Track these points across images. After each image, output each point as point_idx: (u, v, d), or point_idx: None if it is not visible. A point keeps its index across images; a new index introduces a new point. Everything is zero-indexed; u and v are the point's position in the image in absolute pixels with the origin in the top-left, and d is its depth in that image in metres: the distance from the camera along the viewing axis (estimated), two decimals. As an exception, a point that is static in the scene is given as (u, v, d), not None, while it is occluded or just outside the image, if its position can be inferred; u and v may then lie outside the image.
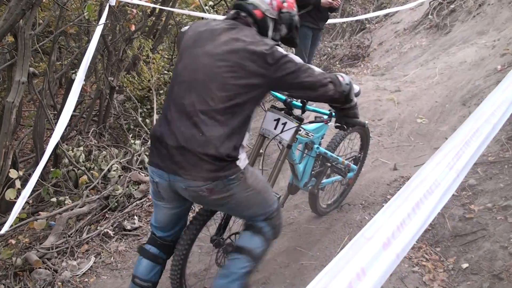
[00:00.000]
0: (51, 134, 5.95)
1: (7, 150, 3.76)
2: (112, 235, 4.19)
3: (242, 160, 2.40)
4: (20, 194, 3.67)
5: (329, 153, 3.59)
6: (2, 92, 6.20)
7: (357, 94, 3.31)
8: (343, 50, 9.76)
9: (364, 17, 10.30)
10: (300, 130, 3.12)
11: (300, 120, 2.99)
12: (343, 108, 2.76)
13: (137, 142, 5.52)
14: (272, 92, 3.03)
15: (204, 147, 2.24)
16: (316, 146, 3.45)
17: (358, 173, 4.20)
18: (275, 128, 2.99)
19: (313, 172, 3.57)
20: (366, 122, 2.94)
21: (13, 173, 3.73)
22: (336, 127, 2.89)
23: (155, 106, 6.63)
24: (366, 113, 6.07)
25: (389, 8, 10.83)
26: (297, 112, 3.12)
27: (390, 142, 5.40)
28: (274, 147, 3.67)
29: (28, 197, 3.90)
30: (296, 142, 3.20)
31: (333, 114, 2.97)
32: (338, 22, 10.34)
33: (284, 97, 3.10)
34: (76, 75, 5.35)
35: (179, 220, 2.73)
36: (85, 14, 5.40)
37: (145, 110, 7.10)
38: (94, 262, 3.86)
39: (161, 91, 7.26)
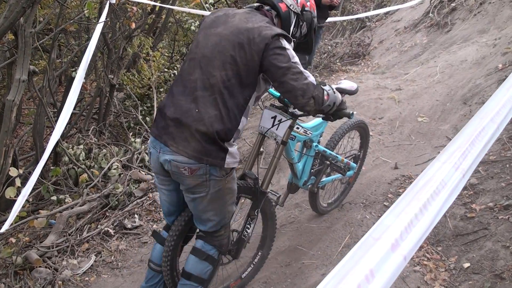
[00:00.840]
0: (51, 132, 5.94)
1: (8, 149, 3.75)
2: (112, 233, 4.18)
3: (231, 159, 2.41)
4: (20, 193, 3.66)
5: (328, 151, 3.58)
6: (2, 90, 6.18)
7: (353, 92, 3.32)
8: (344, 48, 9.75)
9: (365, 15, 10.29)
10: (297, 128, 3.15)
11: (294, 116, 3.00)
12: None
13: (138, 140, 5.51)
14: (270, 90, 3.12)
15: (197, 123, 2.28)
16: (315, 144, 3.44)
17: (358, 172, 4.18)
18: (272, 126, 3.02)
19: (312, 171, 3.57)
20: (353, 112, 2.92)
21: (13, 171, 3.72)
22: (323, 118, 2.88)
23: (155, 104, 6.62)
24: (367, 112, 6.05)
25: (389, 6, 10.83)
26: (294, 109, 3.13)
27: (391, 141, 5.39)
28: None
29: (28, 195, 3.87)
30: (295, 140, 3.23)
31: None
32: (339, 20, 10.33)
33: (279, 94, 3.10)
34: (76, 73, 5.34)
35: (181, 204, 2.73)
36: (85, 12, 5.39)
37: (145, 108, 7.09)
38: (95, 261, 3.85)
39: (161, 89, 7.24)
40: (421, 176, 1.20)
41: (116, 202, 4.54)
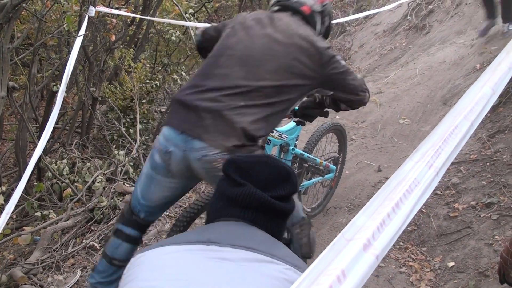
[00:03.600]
0: (34, 147, 5.89)
1: (-11, 166, 3.71)
2: (98, 247, 4.15)
3: None
4: (3, 210, 3.62)
5: (306, 154, 3.61)
6: (-18, 107, 6.12)
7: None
8: (325, 53, 9.79)
9: (344, 20, 10.37)
10: (272, 132, 3.15)
11: None
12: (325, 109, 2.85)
13: (121, 152, 5.48)
14: None
15: (240, 117, 2.23)
16: (291, 147, 3.44)
17: (339, 175, 4.22)
18: None
19: None
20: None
21: (-5, 189, 3.69)
22: (297, 122, 2.96)
23: (138, 115, 6.60)
24: (349, 116, 6.10)
25: (368, 10, 10.92)
26: None
27: (373, 144, 5.44)
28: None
29: (12, 212, 3.84)
30: (270, 144, 3.23)
31: (295, 108, 3.02)
32: (319, 25, 10.38)
33: None
34: (56, 87, 5.31)
35: (171, 202, 2.66)
36: (65, 25, 5.37)
37: (128, 120, 7.05)
38: (81, 276, 3.81)
39: (144, 100, 7.22)
40: (393, 176, 1.22)
41: (101, 216, 4.50)
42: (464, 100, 1.50)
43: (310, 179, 3.86)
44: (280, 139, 3.30)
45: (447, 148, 1.35)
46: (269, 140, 3.18)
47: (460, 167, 4.21)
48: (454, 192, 3.97)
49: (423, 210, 3.87)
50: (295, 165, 3.62)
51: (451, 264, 3.32)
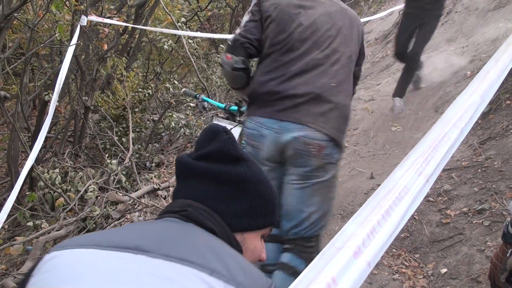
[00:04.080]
0: (26, 157, 5.87)
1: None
2: (90, 257, 4.13)
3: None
4: (-5, 220, 3.61)
5: None
6: (-26, 116, 6.11)
7: None
8: (317, 61, 9.84)
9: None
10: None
11: (242, 123, 3.14)
12: None
13: (114, 161, 5.48)
14: (210, 100, 3.36)
15: (337, 95, 2.31)
16: None
17: None
18: None
19: None
20: None
21: (-13, 199, 3.67)
22: None
23: (130, 124, 6.60)
24: (341, 123, 6.11)
25: (360, 18, 10.96)
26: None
27: (366, 151, 5.46)
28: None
29: (4, 222, 3.82)
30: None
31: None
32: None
33: (223, 105, 3.28)
34: (49, 97, 5.31)
35: None
36: (57, 35, 5.38)
37: (120, 129, 7.05)
38: (73, 286, 3.80)
39: (136, 109, 7.22)
40: (383, 185, 1.22)
41: (94, 225, 4.49)
42: (453, 108, 1.52)
43: None
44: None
45: (437, 155, 1.37)
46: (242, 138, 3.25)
47: (452, 174, 4.23)
48: (446, 198, 3.99)
49: (416, 217, 3.88)
50: None
51: (444, 270, 3.33)
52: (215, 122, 3.19)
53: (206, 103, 3.43)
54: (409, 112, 5.97)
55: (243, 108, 3.23)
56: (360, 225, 1.11)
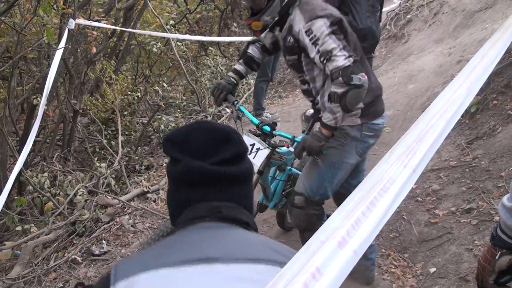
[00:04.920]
0: (14, 161, 5.83)
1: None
2: (80, 261, 4.11)
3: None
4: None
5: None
6: (-39, 121, 6.04)
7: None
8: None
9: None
10: (274, 155, 3.13)
11: (273, 147, 3.04)
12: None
13: (103, 165, 5.45)
14: (247, 113, 3.19)
15: None
16: (288, 168, 3.45)
17: None
18: (249, 153, 2.97)
19: (283, 193, 3.58)
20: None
21: (-25, 204, 3.65)
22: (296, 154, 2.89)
23: (119, 127, 6.57)
24: (330, 125, 6.13)
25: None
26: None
27: (355, 152, 5.47)
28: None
29: (-8, 227, 3.81)
30: (270, 166, 3.26)
31: (296, 139, 2.95)
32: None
33: (257, 121, 3.14)
34: (37, 100, 5.28)
35: None
36: (45, 38, 5.34)
37: (109, 132, 7.02)
38: (63, 290, 3.78)
39: (125, 112, 7.20)
40: (366, 179, 1.22)
41: (83, 229, 4.47)
42: (438, 102, 1.53)
43: None
44: (280, 160, 3.27)
45: (422, 146, 1.36)
46: (270, 162, 3.15)
47: (440, 174, 4.27)
48: (434, 198, 4.02)
49: (404, 217, 3.91)
50: (288, 183, 3.63)
51: (432, 269, 3.35)
52: (246, 136, 3.07)
53: (241, 112, 3.26)
54: (398, 113, 6.00)
55: (276, 132, 3.11)
56: (344, 219, 1.10)
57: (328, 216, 2.94)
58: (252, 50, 3.19)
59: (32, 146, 4.85)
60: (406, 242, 3.70)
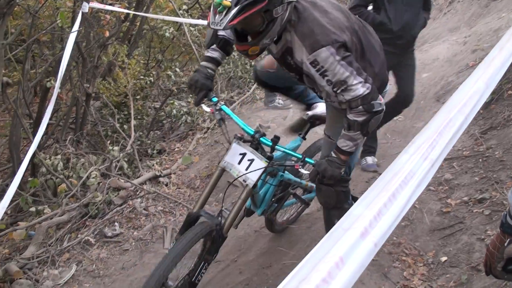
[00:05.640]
0: (27, 143, 5.89)
1: (-17, 161, 3.71)
2: (93, 242, 4.17)
3: None
4: (-2, 205, 3.64)
5: (293, 178, 3.23)
6: (-25, 103, 6.11)
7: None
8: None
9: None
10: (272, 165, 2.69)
11: (270, 159, 2.63)
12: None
13: (116, 148, 5.48)
14: (233, 116, 2.78)
15: None
16: (280, 173, 3.05)
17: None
18: (239, 163, 2.62)
19: (273, 199, 3.25)
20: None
21: (-10, 184, 3.69)
22: (311, 179, 2.61)
23: (132, 111, 6.60)
24: (343, 112, 6.12)
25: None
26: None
27: (367, 140, 5.46)
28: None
29: (7, 207, 3.85)
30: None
31: (307, 160, 2.56)
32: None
33: (252, 131, 2.72)
34: (51, 83, 5.31)
35: None
36: (58, 21, 5.36)
37: (122, 116, 7.06)
38: (76, 270, 3.83)
39: (138, 96, 7.22)
40: (389, 168, 1.24)
41: (96, 211, 4.52)
42: (458, 94, 1.53)
43: (289, 199, 3.52)
44: (272, 166, 2.78)
45: (442, 140, 1.37)
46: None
47: (453, 163, 4.25)
48: (447, 187, 4.01)
49: (416, 206, 3.90)
50: (279, 188, 3.24)
51: (444, 258, 3.35)
52: (235, 144, 2.68)
53: (225, 114, 2.74)
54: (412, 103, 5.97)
55: (280, 147, 2.69)
56: (367, 207, 1.12)
57: (352, 196, 2.98)
58: (225, 32, 2.69)
59: (45, 128, 4.89)
60: (417, 230, 3.70)
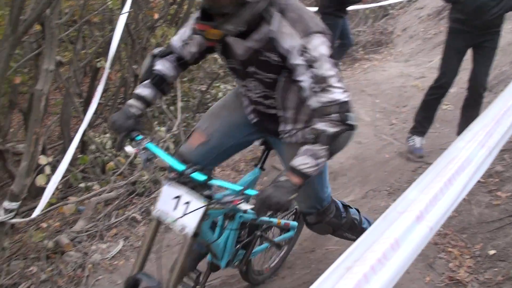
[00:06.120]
0: (78, 121, 6.05)
1: (37, 137, 3.83)
2: (139, 219, 4.27)
3: None
4: (50, 180, 3.76)
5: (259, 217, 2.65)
6: (30, 80, 6.30)
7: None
8: (366, 36, 9.70)
9: (387, 3, 10.18)
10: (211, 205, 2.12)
11: (209, 198, 2.09)
12: None
13: (163, 129, 5.57)
14: (160, 152, 2.32)
15: None
16: (239, 214, 2.58)
17: (300, 230, 3.38)
18: (174, 209, 2.11)
19: (238, 246, 2.73)
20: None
21: (42, 160, 3.82)
22: (257, 213, 1.99)
23: (179, 93, 6.67)
24: (390, 100, 6.03)
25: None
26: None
27: (414, 129, 5.36)
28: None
29: (58, 182, 3.98)
30: (209, 218, 2.38)
31: (248, 192, 2.01)
32: (361, 8, 10.22)
33: (183, 167, 2.19)
34: (101, 64, 5.43)
35: None
36: (109, 3, 5.46)
37: (169, 97, 7.15)
38: (123, 246, 3.94)
39: (185, 79, 7.29)
40: (444, 154, 1.22)
41: (143, 189, 4.62)
42: (514, 84, 1.48)
43: (262, 243, 3.00)
44: (223, 207, 2.32)
45: (500, 128, 1.34)
46: (207, 215, 2.15)
47: (504, 155, 4.13)
48: (497, 180, 3.90)
49: (465, 197, 3.82)
50: (243, 232, 2.75)
51: (492, 252, 3.27)
52: (167, 186, 2.16)
53: (151, 153, 2.32)
54: (461, 91, 5.80)
55: (214, 181, 2.12)
56: (422, 192, 1.11)
57: (342, 204, 2.80)
58: (163, 66, 2.41)
59: (95, 108, 5.01)
60: (465, 222, 3.62)
